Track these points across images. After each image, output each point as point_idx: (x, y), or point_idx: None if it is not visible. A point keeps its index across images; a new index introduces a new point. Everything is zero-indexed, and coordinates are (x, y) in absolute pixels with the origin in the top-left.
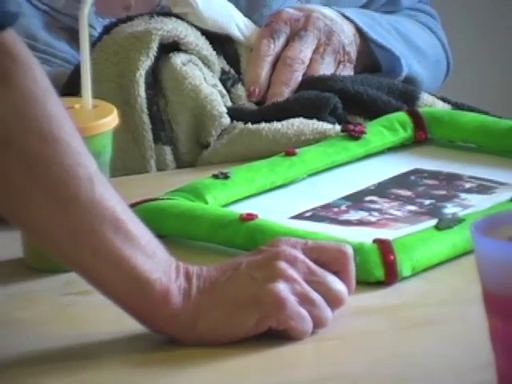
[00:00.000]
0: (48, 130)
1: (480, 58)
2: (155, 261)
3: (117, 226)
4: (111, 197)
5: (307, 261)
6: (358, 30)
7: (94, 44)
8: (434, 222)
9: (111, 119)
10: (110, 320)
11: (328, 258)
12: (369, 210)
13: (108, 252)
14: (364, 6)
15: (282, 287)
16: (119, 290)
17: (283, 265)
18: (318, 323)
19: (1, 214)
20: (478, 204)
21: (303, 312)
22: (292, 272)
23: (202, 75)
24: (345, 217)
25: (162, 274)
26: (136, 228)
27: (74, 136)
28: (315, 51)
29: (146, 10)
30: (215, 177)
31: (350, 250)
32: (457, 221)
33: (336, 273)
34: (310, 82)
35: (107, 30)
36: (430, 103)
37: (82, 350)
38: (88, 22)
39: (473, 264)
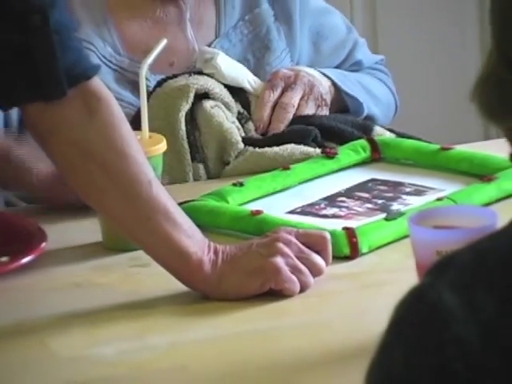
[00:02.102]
0: (121, 147)
1: (418, 102)
2: (193, 240)
3: (166, 216)
4: (163, 195)
5: (298, 243)
6: (333, 84)
7: (150, 93)
8: (383, 215)
9: (161, 146)
10: (162, 284)
11: (313, 241)
12: (339, 207)
13: (160, 233)
14: (337, 67)
15: (280, 260)
16: (168, 260)
17: (281, 245)
18: (304, 286)
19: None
20: (414, 203)
21: (294, 278)
22: (287, 250)
23: (224, 115)
24: (323, 212)
25: (198, 249)
26: (180, 217)
27: (138, 152)
28: (302, 98)
29: (185, 66)
30: (234, 185)
31: (328, 236)
32: (399, 214)
33: (318, 252)
34: (298, 120)
35: (159, 83)
36: (381, 133)
37: (143, 304)
38: (145, 77)
39: (409, 244)
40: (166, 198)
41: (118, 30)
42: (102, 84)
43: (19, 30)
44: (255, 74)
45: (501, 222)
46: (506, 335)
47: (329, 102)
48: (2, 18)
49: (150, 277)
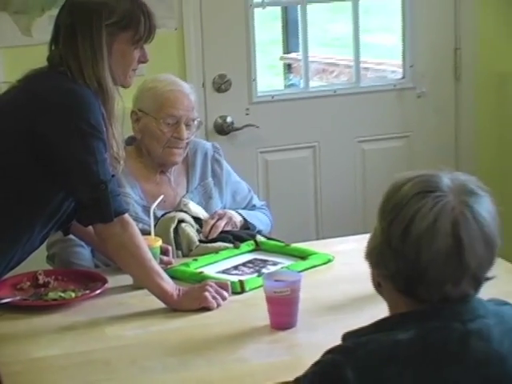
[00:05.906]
0: (138, 244)
1: (284, 223)
2: (169, 285)
3: (157, 274)
4: (156, 265)
5: (216, 286)
6: (243, 218)
7: (158, 219)
8: (257, 274)
9: (159, 242)
10: (156, 303)
11: (222, 285)
12: (239, 270)
13: (153, 282)
14: (244, 208)
15: (207, 294)
16: (157, 294)
17: (208, 287)
18: (218, 305)
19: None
20: (272, 269)
21: (214, 301)
22: (211, 289)
23: (190, 230)
24: (231, 273)
25: (171, 288)
26: (163, 274)
27: (145, 246)
28: (225, 224)
29: (171, 203)
30: (193, 260)
31: (229, 283)
32: (264, 274)
33: (224, 290)
34: (223, 232)
35: (163, 215)
36: (260, 238)
37: (148, 311)
38: (153, 212)
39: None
40: (157, 266)
41: (140, 188)
42: (129, 216)
43: (94, 191)
44: (205, 210)
45: (303, 280)
46: None
47: (239, 226)
48: (95, 188)
49: (152, 300)
